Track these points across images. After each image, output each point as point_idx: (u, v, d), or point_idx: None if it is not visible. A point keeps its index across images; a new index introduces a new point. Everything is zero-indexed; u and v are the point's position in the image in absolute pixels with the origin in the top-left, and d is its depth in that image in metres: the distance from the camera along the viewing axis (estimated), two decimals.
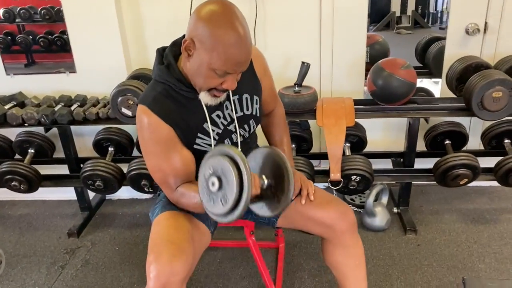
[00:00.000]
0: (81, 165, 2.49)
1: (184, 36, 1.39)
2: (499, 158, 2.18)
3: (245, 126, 1.50)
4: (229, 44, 1.20)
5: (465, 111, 2.11)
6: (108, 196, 2.85)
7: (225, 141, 1.46)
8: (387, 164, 2.50)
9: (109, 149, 2.43)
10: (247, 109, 1.49)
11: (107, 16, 2.33)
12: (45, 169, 2.46)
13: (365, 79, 2.51)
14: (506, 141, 2.27)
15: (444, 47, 2.45)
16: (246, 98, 1.48)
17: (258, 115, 1.52)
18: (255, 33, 2.37)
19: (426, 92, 2.59)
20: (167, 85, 1.36)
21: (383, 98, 2.15)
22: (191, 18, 1.26)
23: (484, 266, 2.06)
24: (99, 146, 2.46)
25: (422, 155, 2.40)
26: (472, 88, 2.00)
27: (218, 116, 1.43)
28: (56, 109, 2.29)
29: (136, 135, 2.49)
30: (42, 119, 2.24)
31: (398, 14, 2.72)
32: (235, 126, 1.47)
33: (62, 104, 2.36)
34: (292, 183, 1.26)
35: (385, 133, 2.61)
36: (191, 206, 1.39)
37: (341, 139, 2.08)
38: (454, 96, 2.31)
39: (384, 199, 2.40)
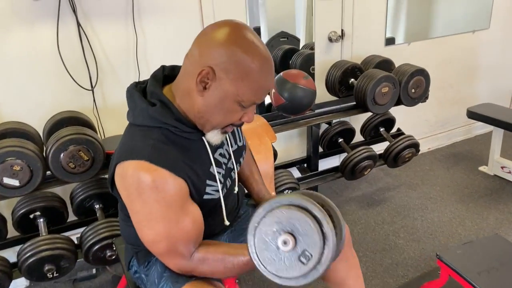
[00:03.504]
0: None
1: (163, 67, 1.15)
2: (382, 145, 2.49)
3: (240, 159, 1.32)
4: (260, 71, 1.02)
5: (360, 109, 2.33)
6: None
7: (226, 181, 1.24)
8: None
9: None
10: (240, 140, 1.31)
11: None
12: None
13: None
14: (381, 129, 2.61)
15: (307, 56, 2.65)
16: (237, 128, 1.30)
17: (245, 144, 1.36)
18: (138, 59, 2.09)
19: None
20: (164, 129, 1.08)
21: (292, 110, 2.18)
22: (200, 43, 1.03)
23: (403, 241, 2.32)
24: None
25: (320, 157, 2.54)
26: (364, 88, 2.23)
27: (220, 155, 1.21)
28: None
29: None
30: None
31: None
32: (232, 162, 1.27)
33: None
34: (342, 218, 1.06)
35: (279, 144, 2.66)
36: (218, 271, 1.13)
37: (270, 157, 2.02)
38: (336, 98, 2.53)
39: None
